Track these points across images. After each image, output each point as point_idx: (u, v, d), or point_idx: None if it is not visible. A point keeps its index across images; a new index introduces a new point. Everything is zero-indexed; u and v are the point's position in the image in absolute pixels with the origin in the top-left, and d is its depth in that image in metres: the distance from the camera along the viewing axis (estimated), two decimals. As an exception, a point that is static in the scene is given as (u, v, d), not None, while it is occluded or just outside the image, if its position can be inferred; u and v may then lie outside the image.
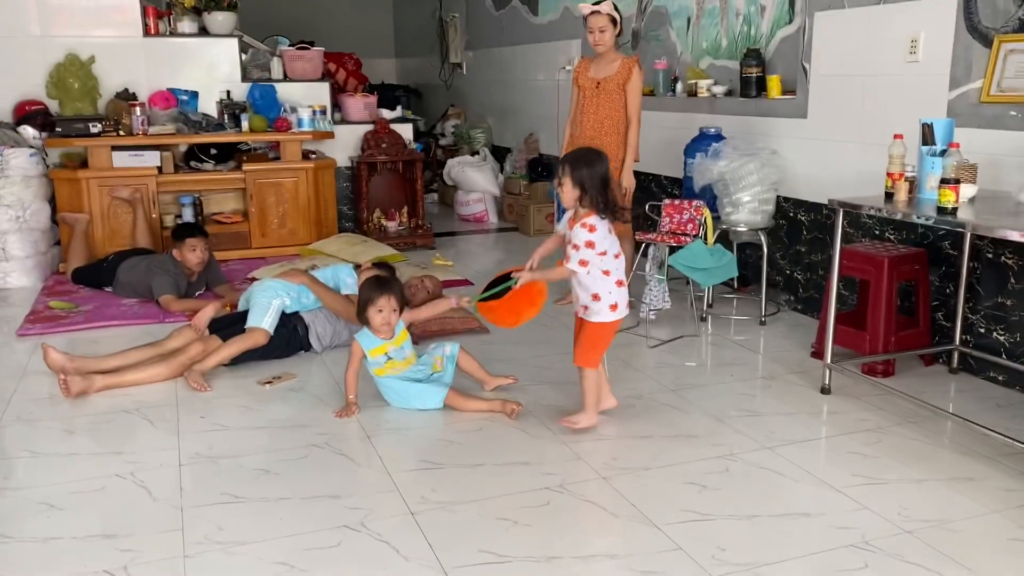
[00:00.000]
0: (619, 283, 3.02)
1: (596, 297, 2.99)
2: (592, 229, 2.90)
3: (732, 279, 4.68)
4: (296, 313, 3.89)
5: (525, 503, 2.58)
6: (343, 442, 3.01)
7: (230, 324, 3.82)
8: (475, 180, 7.53)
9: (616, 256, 3.00)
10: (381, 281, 3.28)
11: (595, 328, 3.04)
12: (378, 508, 2.55)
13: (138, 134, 5.63)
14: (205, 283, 4.83)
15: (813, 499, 2.61)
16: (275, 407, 3.38)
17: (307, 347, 3.92)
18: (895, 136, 3.29)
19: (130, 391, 3.49)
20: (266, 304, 3.77)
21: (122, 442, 3.04)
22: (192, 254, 4.62)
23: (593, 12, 4.32)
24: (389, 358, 3.27)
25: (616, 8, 4.36)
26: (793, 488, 2.69)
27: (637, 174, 6.14)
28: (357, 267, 4.30)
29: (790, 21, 4.59)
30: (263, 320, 3.74)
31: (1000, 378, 3.50)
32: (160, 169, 5.68)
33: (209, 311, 3.81)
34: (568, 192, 2.94)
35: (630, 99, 4.38)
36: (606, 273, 2.97)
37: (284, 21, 9.53)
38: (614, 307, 3.00)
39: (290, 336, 3.84)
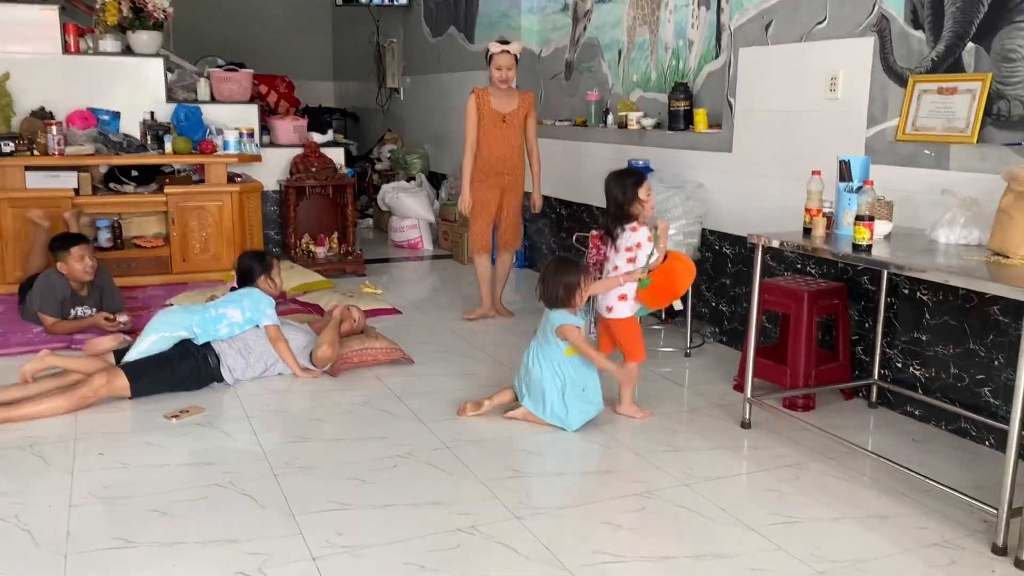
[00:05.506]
0: None
1: (623, 298, 3.45)
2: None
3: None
4: (207, 343, 3.75)
5: (434, 546, 2.48)
6: (248, 481, 2.87)
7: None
8: (409, 206, 7.44)
9: None
10: (567, 262, 3.41)
11: (627, 323, 3.50)
12: (278, 553, 2.42)
13: (54, 154, 5.41)
14: (99, 297, 4.54)
15: (728, 539, 2.57)
16: (180, 443, 3.22)
17: (219, 378, 3.77)
18: (813, 172, 3.31)
19: (26, 425, 3.30)
20: (145, 335, 3.69)
21: (10, 481, 2.85)
22: (80, 264, 4.36)
23: (503, 51, 4.72)
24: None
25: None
26: (709, 527, 2.64)
27: (568, 204, 6.12)
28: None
29: (716, 56, 4.63)
30: (131, 350, 3.65)
31: (916, 413, 3.53)
32: (77, 191, 5.46)
33: (107, 343, 3.64)
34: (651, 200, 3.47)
35: (531, 131, 4.95)
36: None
37: (221, 43, 9.33)
38: (624, 298, 3.48)
39: (200, 367, 3.68)
